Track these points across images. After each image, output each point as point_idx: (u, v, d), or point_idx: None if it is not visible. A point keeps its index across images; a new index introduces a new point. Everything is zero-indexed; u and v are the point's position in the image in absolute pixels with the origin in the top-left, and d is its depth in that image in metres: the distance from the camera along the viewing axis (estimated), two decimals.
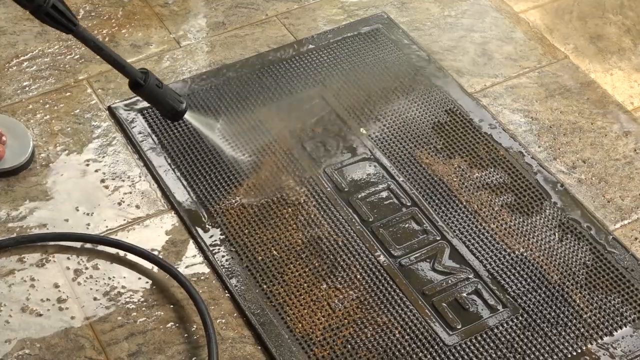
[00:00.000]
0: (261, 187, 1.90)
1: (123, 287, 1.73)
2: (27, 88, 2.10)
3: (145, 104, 2.06)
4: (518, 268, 1.78)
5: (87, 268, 1.75)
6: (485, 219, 1.86)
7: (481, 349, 1.65)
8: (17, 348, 1.62)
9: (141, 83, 1.67)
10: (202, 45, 2.24)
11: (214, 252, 1.78)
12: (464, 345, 1.65)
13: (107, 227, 1.82)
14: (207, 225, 1.83)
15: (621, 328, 1.70)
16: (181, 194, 1.89)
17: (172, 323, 1.67)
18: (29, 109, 2.05)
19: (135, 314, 1.68)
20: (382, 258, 1.78)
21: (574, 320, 1.70)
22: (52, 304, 1.69)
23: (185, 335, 1.66)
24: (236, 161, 1.91)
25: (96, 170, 1.93)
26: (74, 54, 2.19)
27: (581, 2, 2.45)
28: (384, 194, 1.90)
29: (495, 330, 1.68)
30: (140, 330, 1.66)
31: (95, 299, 1.70)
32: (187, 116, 1.80)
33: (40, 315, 1.68)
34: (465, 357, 1.64)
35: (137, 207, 1.86)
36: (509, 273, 1.77)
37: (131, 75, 1.66)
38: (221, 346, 1.64)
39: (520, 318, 1.70)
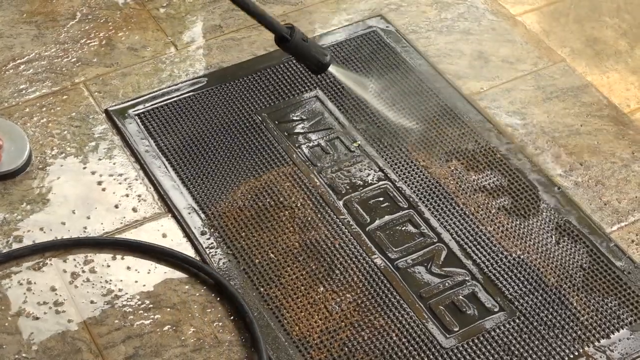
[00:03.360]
0: (258, 190, 1.90)
1: (120, 290, 1.72)
2: (23, 91, 2.10)
3: (141, 107, 2.06)
4: (515, 270, 1.78)
5: (84, 271, 1.75)
6: (482, 222, 1.86)
7: (478, 352, 1.65)
8: (13, 351, 1.62)
9: (287, 37, 1.68)
10: (198, 48, 2.24)
11: (211, 254, 1.78)
12: (461, 348, 1.65)
13: (104, 229, 1.82)
14: (204, 228, 1.83)
15: (618, 330, 1.70)
16: (178, 196, 1.88)
17: (169, 326, 1.67)
18: (26, 112, 2.05)
19: (132, 317, 1.68)
20: (379, 261, 1.78)
21: (571, 323, 1.70)
22: (49, 307, 1.69)
23: (182, 338, 1.66)
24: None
25: (93, 173, 1.93)
26: (70, 57, 2.19)
27: (578, 5, 2.45)
28: (381, 197, 1.91)
29: (493, 333, 1.68)
30: (137, 334, 1.66)
31: (92, 302, 1.70)
32: (332, 69, 1.84)
33: (37, 318, 1.67)
34: (462, 359, 1.64)
35: (134, 210, 1.86)
36: (506, 276, 1.77)
37: (277, 30, 1.68)
38: (218, 349, 1.64)
39: (517, 321, 1.70)
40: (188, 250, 1.79)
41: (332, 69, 1.81)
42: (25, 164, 1.91)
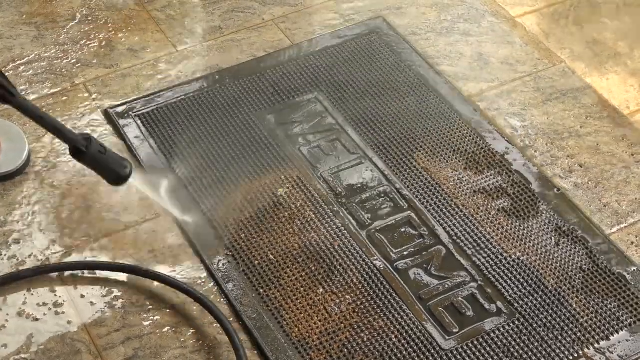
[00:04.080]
0: (259, 192, 1.90)
1: (119, 291, 1.72)
2: (23, 92, 2.10)
3: (141, 108, 2.06)
4: (515, 272, 1.78)
5: (83, 272, 1.75)
6: (481, 223, 1.86)
7: (478, 354, 1.65)
8: (13, 353, 1.62)
9: (82, 150, 1.59)
10: (198, 50, 2.24)
11: (210, 256, 1.78)
12: (460, 350, 1.65)
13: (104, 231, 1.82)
14: (204, 229, 1.82)
15: (618, 332, 1.70)
16: (178, 197, 1.88)
17: (169, 327, 1.67)
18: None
19: (131, 318, 1.68)
20: (378, 262, 1.78)
21: (571, 325, 1.70)
22: (48, 308, 1.69)
23: (182, 339, 1.66)
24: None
25: (91, 174, 1.92)
26: (70, 58, 2.19)
27: (577, 7, 2.45)
28: (381, 198, 1.90)
29: (492, 335, 1.68)
30: (136, 335, 1.66)
31: (92, 303, 1.70)
32: (132, 179, 1.71)
33: (37, 319, 1.67)
34: None
35: (133, 211, 1.86)
36: (505, 277, 1.77)
37: (72, 141, 1.58)
38: (217, 351, 1.64)
39: (516, 322, 1.70)
40: (187, 253, 1.79)
41: (133, 179, 1.69)
42: (23, 165, 1.91)
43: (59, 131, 1.57)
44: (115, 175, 1.65)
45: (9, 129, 1.96)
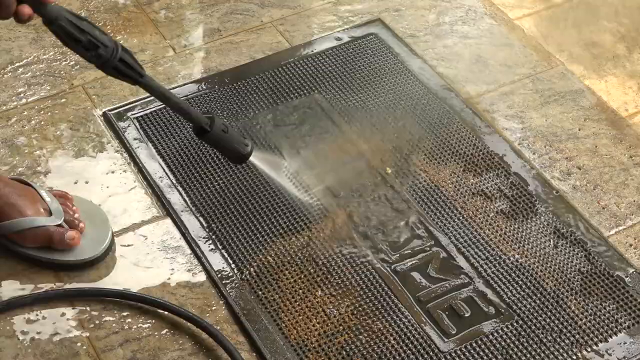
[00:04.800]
0: (255, 193, 1.90)
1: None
2: (22, 94, 2.10)
3: (139, 110, 2.06)
4: (513, 274, 1.78)
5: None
6: (480, 225, 1.86)
7: (476, 356, 1.65)
8: (11, 355, 1.62)
9: (206, 129, 1.60)
10: (197, 52, 2.24)
11: (209, 258, 1.78)
12: (459, 352, 1.65)
13: None
14: (202, 232, 1.83)
15: (616, 335, 1.70)
16: (176, 200, 1.88)
17: (167, 330, 1.67)
18: (24, 115, 2.05)
19: (130, 320, 1.68)
20: (377, 264, 1.78)
21: (569, 327, 1.70)
22: (46, 310, 1.69)
23: (180, 342, 1.65)
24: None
25: (90, 177, 1.93)
26: (69, 60, 2.19)
27: (576, 9, 2.45)
28: (379, 200, 1.90)
29: (490, 337, 1.68)
30: (135, 337, 1.66)
31: (89, 304, 1.70)
32: (253, 158, 1.71)
33: (35, 321, 1.67)
34: None
35: (132, 213, 1.86)
36: (504, 279, 1.77)
37: (196, 121, 1.60)
38: (215, 353, 1.64)
39: (515, 324, 1.70)
40: (186, 254, 1.79)
41: (253, 158, 1.70)
42: (105, 251, 1.78)
43: (183, 111, 1.58)
44: (238, 153, 1.66)
45: (95, 211, 1.85)
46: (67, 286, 1.72)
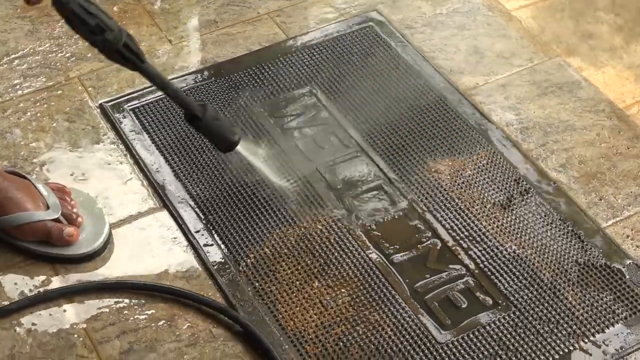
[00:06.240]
0: (252, 185, 1.90)
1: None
2: (17, 86, 2.09)
3: (136, 102, 2.06)
4: (510, 266, 1.78)
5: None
6: (477, 217, 1.86)
7: (473, 347, 1.65)
8: (8, 346, 1.62)
9: (198, 116, 1.60)
10: (193, 43, 2.23)
11: (205, 249, 1.78)
12: (455, 343, 1.65)
13: None
14: (199, 223, 1.82)
15: (613, 325, 1.70)
16: (173, 192, 1.88)
17: (164, 321, 1.67)
18: (20, 107, 2.04)
19: (126, 312, 1.68)
20: (374, 256, 1.78)
21: (566, 318, 1.70)
22: (43, 302, 1.69)
23: (177, 333, 1.65)
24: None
25: (86, 169, 1.93)
26: (65, 52, 2.18)
27: (573, 0, 2.45)
28: (376, 191, 1.90)
29: (487, 328, 1.68)
30: (131, 329, 1.66)
31: (86, 296, 1.70)
32: (240, 148, 1.71)
33: (32, 313, 1.67)
34: (457, 354, 1.63)
35: (128, 205, 1.86)
36: (501, 270, 1.77)
37: (188, 108, 1.60)
38: (212, 344, 1.64)
39: (512, 315, 1.70)
40: (182, 246, 1.79)
41: (240, 147, 1.69)
42: (103, 246, 1.78)
43: (179, 99, 1.59)
44: (227, 142, 1.66)
45: (92, 204, 1.84)
46: (63, 278, 1.72)
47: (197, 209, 1.85)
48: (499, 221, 1.86)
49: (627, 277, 1.77)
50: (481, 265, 1.77)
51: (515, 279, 1.75)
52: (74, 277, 1.73)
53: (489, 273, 1.76)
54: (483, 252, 1.80)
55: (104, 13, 1.47)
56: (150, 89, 2.09)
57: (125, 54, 1.49)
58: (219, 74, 2.15)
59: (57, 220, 1.73)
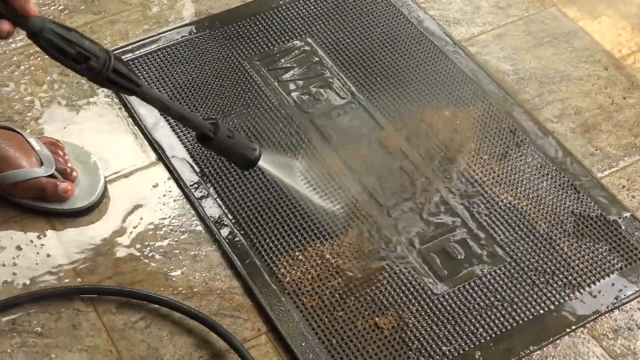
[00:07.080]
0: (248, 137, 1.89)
1: (112, 238, 1.72)
2: (10, 40, 2.07)
3: (130, 55, 2.05)
4: (506, 217, 1.78)
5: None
6: (473, 168, 1.86)
7: (469, 297, 1.65)
8: (2, 297, 1.62)
9: (210, 136, 1.52)
10: None
11: (202, 203, 1.78)
12: (452, 294, 1.66)
13: None
14: (195, 178, 1.82)
15: (609, 276, 1.70)
16: (169, 145, 1.88)
17: (161, 274, 1.67)
18: (13, 60, 2.03)
19: (123, 265, 1.68)
20: (370, 209, 1.78)
21: (562, 269, 1.71)
22: (39, 255, 1.69)
23: (174, 286, 1.66)
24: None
25: (80, 122, 1.92)
26: (58, 4, 2.17)
27: None
28: (373, 145, 1.90)
29: (484, 279, 1.68)
30: (128, 282, 1.66)
31: (82, 250, 1.70)
32: (262, 162, 1.63)
33: (28, 267, 1.67)
34: (454, 305, 1.64)
35: (123, 158, 1.86)
36: (497, 222, 1.77)
37: (199, 129, 1.51)
38: (209, 297, 1.64)
39: (508, 267, 1.70)
40: (179, 200, 1.79)
41: (262, 162, 1.62)
42: (99, 199, 1.78)
43: (185, 118, 1.50)
44: (245, 160, 1.58)
45: (87, 158, 1.83)
46: (59, 232, 1.72)
47: (192, 163, 1.85)
48: (494, 172, 1.86)
49: (623, 227, 1.78)
50: (477, 216, 1.78)
51: (511, 230, 1.76)
52: (70, 231, 1.73)
53: (485, 224, 1.76)
54: (479, 203, 1.80)
55: (85, 38, 1.35)
56: (144, 41, 2.07)
57: (116, 80, 1.38)
58: (213, 26, 2.14)
59: (51, 175, 1.72)
